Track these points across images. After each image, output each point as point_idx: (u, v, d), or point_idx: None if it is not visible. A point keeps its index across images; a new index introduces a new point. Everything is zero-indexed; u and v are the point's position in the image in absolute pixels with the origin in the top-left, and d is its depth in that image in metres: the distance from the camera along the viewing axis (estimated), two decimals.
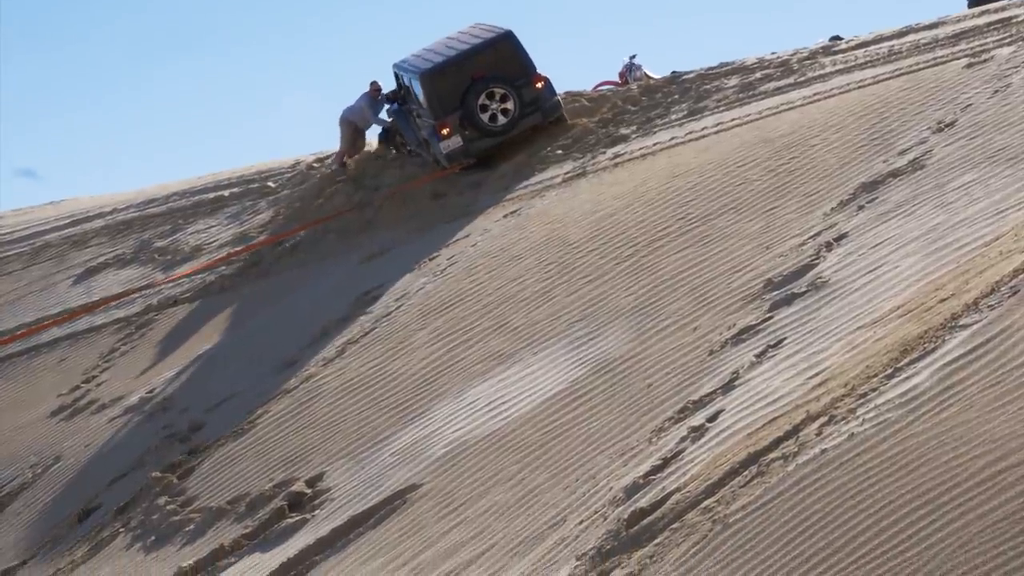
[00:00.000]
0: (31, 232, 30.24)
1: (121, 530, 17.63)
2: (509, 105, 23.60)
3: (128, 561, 16.88)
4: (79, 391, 22.34)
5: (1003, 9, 22.32)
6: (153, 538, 17.03)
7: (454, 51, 23.96)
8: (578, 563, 11.95)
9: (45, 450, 20.67)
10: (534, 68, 23.83)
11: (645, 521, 11.91)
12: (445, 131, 23.62)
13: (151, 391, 21.12)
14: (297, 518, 15.74)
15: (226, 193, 28.76)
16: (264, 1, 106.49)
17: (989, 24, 21.66)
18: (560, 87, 25.08)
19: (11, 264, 29.14)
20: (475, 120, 23.55)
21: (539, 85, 23.81)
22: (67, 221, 30.19)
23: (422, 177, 24.60)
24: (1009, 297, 12.28)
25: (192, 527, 16.77)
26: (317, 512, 15.67)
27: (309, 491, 16.17)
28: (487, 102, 23.60)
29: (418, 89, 23.80)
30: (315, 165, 28.22)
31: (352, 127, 25.60)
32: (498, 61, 23.71)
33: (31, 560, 18.18)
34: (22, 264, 28.86)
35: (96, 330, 24.47)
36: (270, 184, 28.21)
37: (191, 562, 15.92)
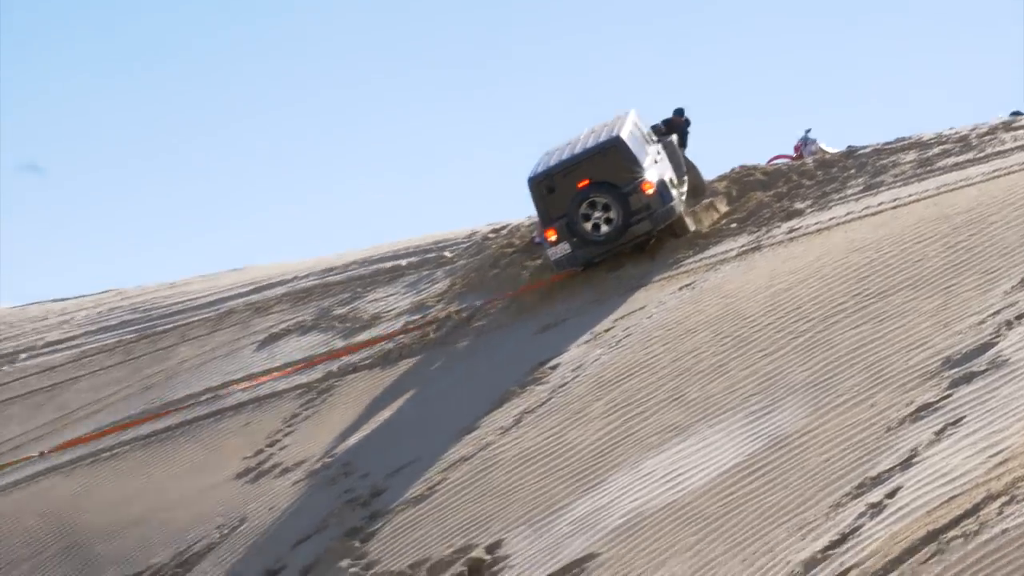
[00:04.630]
0: (215, 299, 30.67)
1: None
2: (612, 214, 23.12)
3: None
4: (263, 454, 22.43)
5: None
6: None
7: (565, 156, 23.63)
8: None
9: (231, 512, 20.73)
10: (642, 172, 23.20)
11: None
12: (552, 237, 23.31)
13: (333, 456, 21.20)
14: None
15: (404, 262, 29.06)
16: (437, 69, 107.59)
17: None
18: (735, 160, 24.92)
19: (195, 329, 29.44)
20: (576, 230, 23.18)
21: (649, 192, 23.13)
22: (249, 288, 30.46)
23: (535, 282, 24.41)
24: None
25: None
26: None
27: (488, 557, 16.20)
28: (589, 211, 23.17)
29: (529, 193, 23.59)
30: (490, 236, 28.43)
31: None
32: (607, 167, 23.23)
33: None
34: (207, 330, 29.15)
35: (278, 395, 24.62)
36: (446, 254, 28.44)
37: None
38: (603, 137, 23.78)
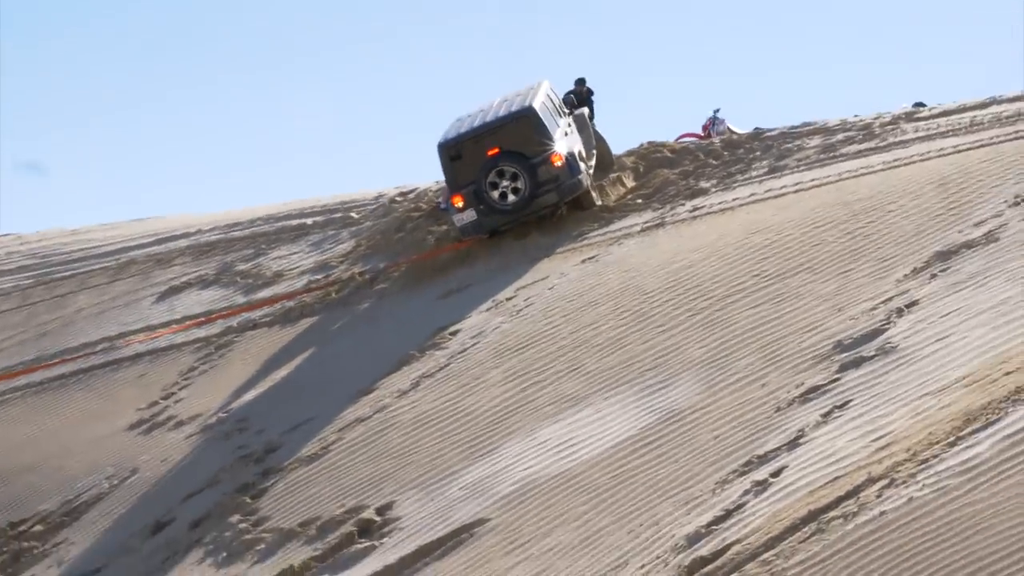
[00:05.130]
0: (117, 248, 30.32)
1: (194, 545, 17.66)
2: (519, 184, 23.09)
3: (199, 575, 17.06)
4: (158, 407, 22.22)
5: None
6: (225, 554, 17.14)
7: (476, 123, 23.62)
8: None
9: (123, 462, 20.56)
10: (552, 144, 23.22)
11: (705, 570, 12.15)
12: (459, 204, 23.27)
13: (228, 411, 21.12)
14: (366, 544, 15.84)
15: (309, 221, 28.79)
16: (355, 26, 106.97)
17: None
18: (643, 136, 24.90)
19: (96, 278, 29.11)
20: (484, 197, 23.14)
21: (558, 163, 23.09)
22: (152, 239, 30.12)
23: (437, 248, 24.46)
24: None
25: (263, 547, 16.86)
26: (385, 540, 15.75)
27: (379, 519, 16.23)
28: (497, 179, 23.13)
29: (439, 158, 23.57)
30: (397, 199, 28.28)
31: None
32: (518, 137, 23.19)
33: (104, 568, 18.25)
34: (106, 279, 28.81)
35: (176, 348, 24.43)
36: (353, 215, 28.25)
37: None
38: (515, 107, 23.70)
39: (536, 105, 23.60)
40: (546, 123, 23.53)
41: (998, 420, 12.34)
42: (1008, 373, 13.20)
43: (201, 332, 24.82)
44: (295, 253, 27.45)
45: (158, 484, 19.65)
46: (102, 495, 19.96)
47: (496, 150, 23.26)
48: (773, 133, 25.16)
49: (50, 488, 20.55)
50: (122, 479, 20.17)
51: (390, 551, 15.45)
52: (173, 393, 22.70)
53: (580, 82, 27.89)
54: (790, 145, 24.23)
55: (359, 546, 15.88)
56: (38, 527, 19.82)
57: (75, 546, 19.00)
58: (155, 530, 18.42)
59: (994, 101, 23.13)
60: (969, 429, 12.40)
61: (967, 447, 12.08)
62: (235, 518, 17.64)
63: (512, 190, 23.23)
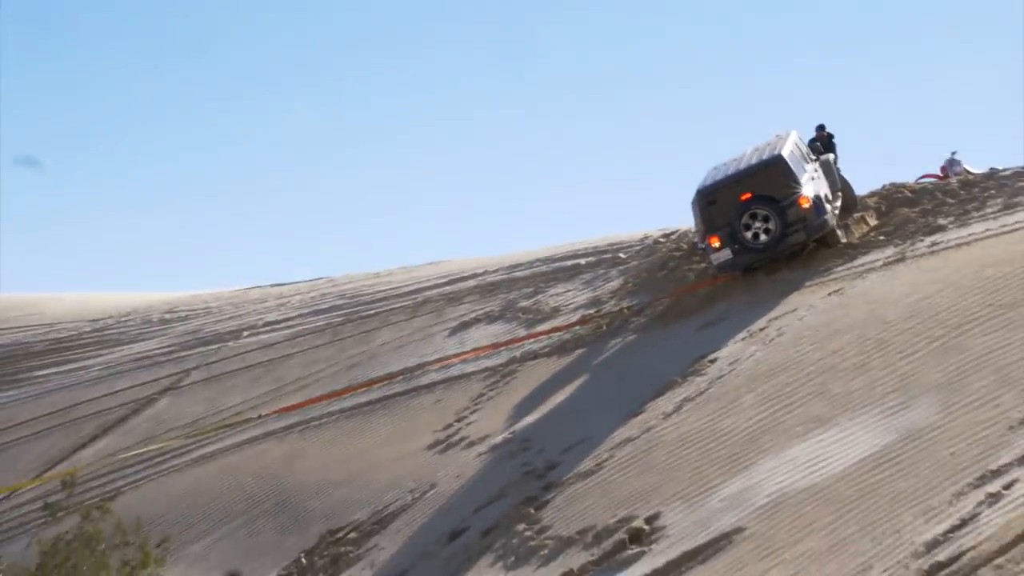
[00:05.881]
0: (413, 288, 31.10)
1: (485, 551, 17.79)
2: (770, 225, 23.20)
3: None
4: (452, 428, 22.66)
5: None
6: (513, 559, 17.28)
7: (731, 171, 23.79)
8: None
9: (423, 478, 20.98)
10: (799, 188, 23.30)
11: (942, 573, 12.13)
12: (715, 244, 23.48)
13: (513, 432, 21.35)
14: (636, 550, 15.85)
15: (582, 262, 29.12)
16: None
17: None
18: (885, 178, 24.70)
19: (395, 315, 29.77)
20: (738, 238, 23.32)
21: (805, 206, 23.21)
22: (444, 280, 30.76)
23: (699, 283, 24.46)
24: None
25: (546, 552, 16.96)
26: (653, 546, 15.76)
27: (647, 527, 16.21)
28: (750, 221, 23.28)
29: (694, 204, 23.79)
30: (660, 240, 28.49)
31: None
32: (768, 182, 23.32)
33: (409, 570, 18.51)
34: (406, 316, 29.44)
35: (467, 377, 24.84)
36: (621, 255, 28.48)
37: None
38: (766, 155, 23.86)
39: (785, 153, 23.72)
40: (794, 169, 23.60)
41: None
42: None
43: (488, 362, 25.16)
44: (570, 290, 27.69)
45: (453, 497, 19.95)
46: (406, 507, 20.36)
47: (749, 195, 23.40)
48: (1007, 173, 24.72)
49: (361, 500, 21.06)
50: (423, 492, 20.56)
51: (658, 556, 15.45)
52: (465, 417, 23.08)
53: (820, 128, 27.87)
54: (1023, 184, 23.87)
55: (630, 552, 15.90)
56: (352, 534, 20.31)
57: (384, 551, 19.34)
58: (452, 537, 18.63)
59: None
60: None
61: None
62: (521, 527, 17.81)
63: (764, 231, 23.35)
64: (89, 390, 29.53)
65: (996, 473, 13.74)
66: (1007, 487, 13.28)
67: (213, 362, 29.52)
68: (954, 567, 12.21)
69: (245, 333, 30.74)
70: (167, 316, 32.99)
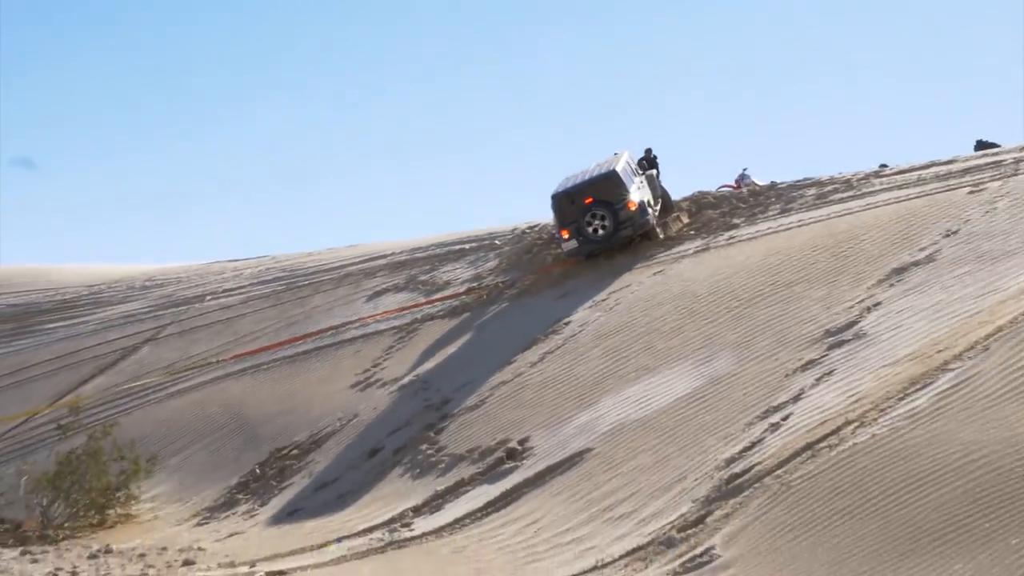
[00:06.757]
0: (338, 265, 30.58)
1: (396, 464, 17.63)
2: (606, 223, 23.02)
3: (401, 484, 16.93)
4: (369, 372, 22.12)
5: (997, 154, 21.91)
6: (418, 471, 17.11)
7: (579, 180, 23.55)
8: (692, 504, 12.37)
9: (348, 409, 20.33)
10: (628, 195, 23.12)
11: (737, 481, 12.40)
12: (566, 235, 23.24)
13: (416, 376, 21.01)
14: (512, 465, 15.86)
15: (468, 246, 28.76)
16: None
17: (986, 164, 21.30)
18: (694, 186, 24.58)
19: (325, 285, 29.14)
20: (583, 232, 23.10)
21: (632, 208, 23.04)
22: (362, 259, 29.90)
23: (555, 264, 24.20)
24: (981, 352, 12.62)
25: (443, 466, 16.83)
26: (524, 462, 15.79)
27: (520, 448, 16.20)
28: (591, 219, 23.06)
29: (552, 205, 23.50)
30: (527, 231, 28.32)
31: None
32: (605, 189, 23.07)
33: (339, 479, 18.13)
34: (332, 285, 28.72)
35: (380, 333, 24.27)
36: (497, 242, 28.38)
37: (442, 487, 16.05)
38: (605, 170, 23.67)
39: (618, 168, 23.57)
40: (625, 181, 23.44)
41: (932, 383, 12.50)
42: (939, 351, 13.32)
43: (396, 322, 24.57)
44: (458, 268, 26.95)
45: (371, 424, 19.54)
46: (335, 431, 19.92)
47: (591, 199, 23.26)
48: (783, 185, 24.68)
49: (301, 426, 20.51)
50: (348, 420, 20.08)
51: (528, 469, 15.46)
52: (379, 363, 22.45)
53: (648, 150, 28.05)
54: (795, 194, 23.76)
55: (507, 466, 15.86)
56: (295, 451, 19.78)
57: (319, 464, 18.91)
58: (371, 454, 18.32)
59: (933, 164, 22.60)
60: (913, 388, 12.55)
61: (911, 400, 12.27)
62: (424, 447, 17.59)
63: (602, 227, 23.13)
64: (87, 340, 28.85)
65: (776, 409, 13.99)
66: (784, 419, 13.52)
67: (183, 319, 28.93)
68: (746, 477, 12.44)
69: (208, 297, 30.01)
70: (147, 283, 32.28)
